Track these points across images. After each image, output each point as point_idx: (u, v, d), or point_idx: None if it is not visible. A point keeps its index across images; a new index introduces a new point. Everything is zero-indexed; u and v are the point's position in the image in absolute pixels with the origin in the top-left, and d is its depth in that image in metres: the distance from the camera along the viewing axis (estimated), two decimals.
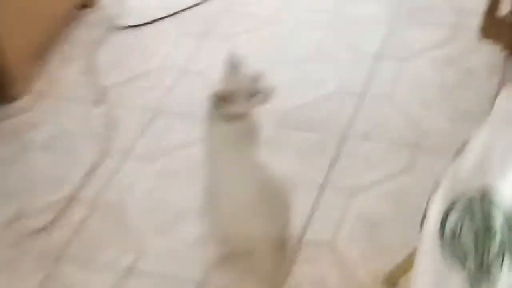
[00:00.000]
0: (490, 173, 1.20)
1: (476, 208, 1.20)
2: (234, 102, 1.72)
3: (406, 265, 1.67)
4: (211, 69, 2.43)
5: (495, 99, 2.00)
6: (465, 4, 2.49)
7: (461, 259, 1.19)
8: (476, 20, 2.41)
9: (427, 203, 1.33)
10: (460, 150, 1.30)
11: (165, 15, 2.65)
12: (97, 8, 2.70)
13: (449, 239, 1.21)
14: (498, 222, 1.17)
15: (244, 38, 2.53)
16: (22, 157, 2.23)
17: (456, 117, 2.15)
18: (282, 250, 1.89)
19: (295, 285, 1.85)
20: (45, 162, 2.23)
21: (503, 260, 1.16)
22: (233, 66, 1.74)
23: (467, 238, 1.19)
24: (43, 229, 2.03)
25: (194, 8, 2.67)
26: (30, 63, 2.46)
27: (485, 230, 1.18)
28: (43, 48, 2.55)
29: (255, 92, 1.72)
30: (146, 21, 2.64)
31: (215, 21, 2.61)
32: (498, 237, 1.17)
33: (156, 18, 2.64)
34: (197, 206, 2.01)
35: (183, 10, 2.67)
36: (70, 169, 2.20)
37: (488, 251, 1.18)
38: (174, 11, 2.66)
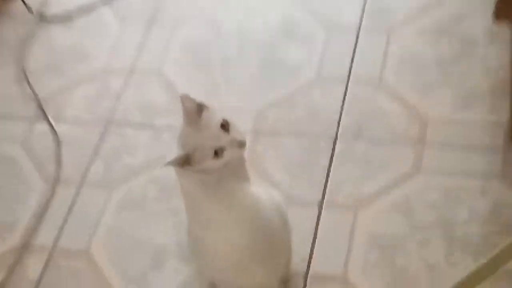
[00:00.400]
0: None
1: None
2: (199, 162, 1.40)
3: None
4: (164, 64, 2.08)
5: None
6: None
7: None
8: None
9: None
10: None
11: (100, 1, 2.27)
12: None
13: None
14: None
15: (197, 22, 2.16)
16: None
17: (461, 98, 1.85)
18: None
19: None
20: None
21: None
22: (189, 113, 1.41)
23: None
24: None
25: None
26: None
27: None
28: None
29: (223, 146, 1.40)
30: (79, 11, 2.26)
31: (160, 4, 2.23)
32: None
33: (90, 6, 2.26)
34: (175, 243, 1.71)
35: None
36: (16, 209, 1.85)
37: None
38: None
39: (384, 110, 1.86)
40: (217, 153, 1.40)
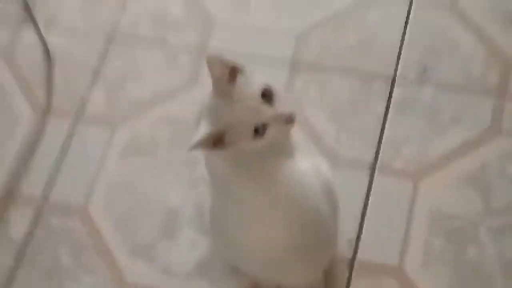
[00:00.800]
0: None
1: None
2: (234, 142, 1.07)
3: None
4: None
5: None
6: None
7: None
8: None
9: None
10: None
11: None
12: None
13: None
14: None
15: None
16: None
17: None
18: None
19: None
20: None
21: None
22: (220, 80, 1.07)
23: None
24: None
25: None
26: None
27: None
28: None
29: (266, 122, 1.07)
30: None
31: None
32: None
33: None
34: (192, 206, 1.40)
35: None
36: None
37: None
38: None
39: (457, 45, 1.49)
40: (258, 130, 1.07)
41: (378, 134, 1.42)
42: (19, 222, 1.42)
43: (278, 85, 1.45)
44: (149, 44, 1.58)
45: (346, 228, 1.32)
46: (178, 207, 1.40)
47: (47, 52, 1.59)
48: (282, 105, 1.08)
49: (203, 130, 1.07)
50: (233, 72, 1.08)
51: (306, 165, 1.18)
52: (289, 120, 1.08)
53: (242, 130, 1.07)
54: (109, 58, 1.58)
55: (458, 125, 1.41)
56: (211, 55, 1.08)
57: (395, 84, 1.46)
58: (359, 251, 1.32)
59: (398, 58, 1.49)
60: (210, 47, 1.56)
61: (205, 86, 1.45)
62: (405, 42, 1.50)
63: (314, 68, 1.50)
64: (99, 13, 1.63)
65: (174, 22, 1.60)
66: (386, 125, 1.43)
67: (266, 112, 1.07)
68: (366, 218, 1.34)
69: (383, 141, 1.41)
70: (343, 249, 1.31)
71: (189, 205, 1.39)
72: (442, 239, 1.31)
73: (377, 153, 1.40)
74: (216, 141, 1.07)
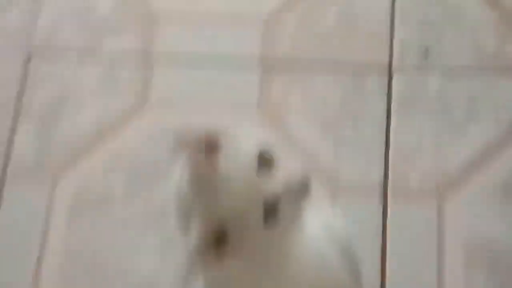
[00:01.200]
0: None
1: None
2: (240, 238, 0.80)
3: None
4: None
5: None
6: None
7: None
8: None
9: None
10: None
11: None
12: None
13: None
14: None
15: None
16: None
17: None
18: None
19: None
20: None
21: None
22: (199, 166, 0.79)
23: None
24: None
25: None
26: None
27: None
28: None
29: (276, 199, 0.79)
30: None
31: None
32: None
33: None
34: (170, 275, 1.13)
35: None
36: None
37: None
38: None
39: (461, 12, 1.20)
40: (267, 213, 0.79)
41: (383, 143, 1.15)
42: None
43: (250, 93, 1.20)
44: (78, 56, 1.26)
45: (367, 278, 1.07)
46: (152, 277, 1.12)
47: None
48: (287, 171, 0.81)
49: (196, 232, 0.79)
50: (211, 147, 0.80)
51: (315, 226, 0.92)
52: (304, 188, 0.81)
53: (247, 218, 0.79)
54: (31, 81, 1.25)
55: (477, 118, 1.15)
56: (177, 136, 0.79)
57: (393, 75, 1.18)
58: None
59: (391, 38, 1.20)
60: (154, 52, 1.24)
61: (157, 105, 1.20)
62: (396, 17, 1.21)
63: (291, 64, 1.21)
64: (9, 19, 1.29)
65: (104, 23, 1.27)
66: (391, 131, 1.16)
67: (272, 185, 0.79)
68: (387, 260, 1.09)
69: (390, 152, 1.14)
70: None
71: (166, 271, 1.12)
72: (484, 272, 1.08)
73: (386, 172, 1.13)
74: (217, 244, 0.79)
